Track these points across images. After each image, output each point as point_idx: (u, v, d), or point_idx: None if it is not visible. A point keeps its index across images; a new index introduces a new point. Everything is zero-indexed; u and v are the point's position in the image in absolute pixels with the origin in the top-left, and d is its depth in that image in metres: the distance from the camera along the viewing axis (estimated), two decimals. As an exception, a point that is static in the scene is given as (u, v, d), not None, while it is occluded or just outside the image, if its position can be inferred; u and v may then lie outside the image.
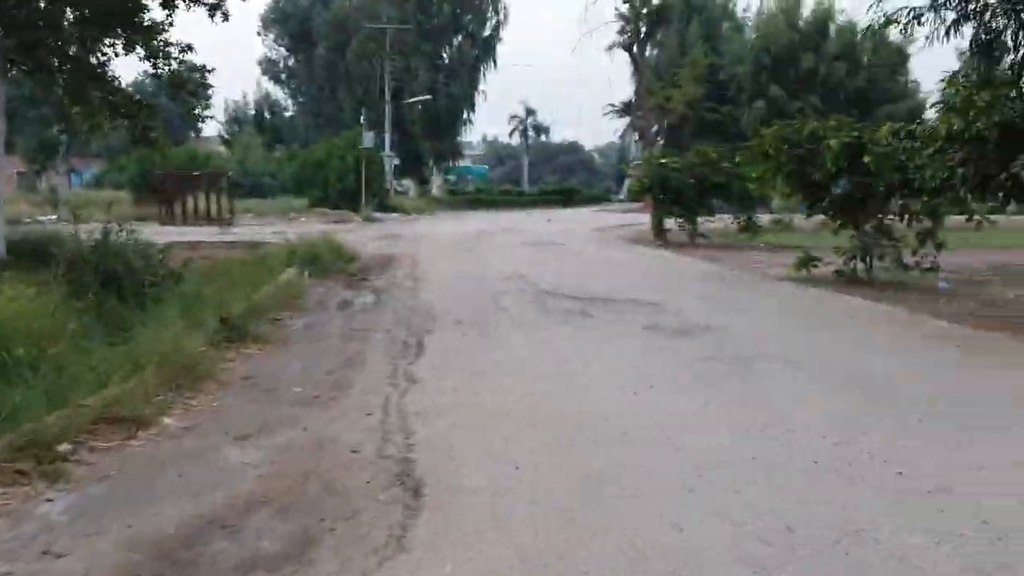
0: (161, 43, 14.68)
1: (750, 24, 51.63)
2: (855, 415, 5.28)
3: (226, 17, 15.04)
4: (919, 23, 7.75)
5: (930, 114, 42.96)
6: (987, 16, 7.16)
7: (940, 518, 3.65)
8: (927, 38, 7.77)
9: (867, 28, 10.89)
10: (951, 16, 7.49)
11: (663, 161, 21.50)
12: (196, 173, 31.12)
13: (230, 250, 17.44)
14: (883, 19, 7.97)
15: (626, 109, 25.33)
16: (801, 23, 48.27)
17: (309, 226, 28.74)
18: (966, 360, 7.18)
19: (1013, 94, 8.36)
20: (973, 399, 5.75)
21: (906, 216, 12.88)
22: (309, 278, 12.79)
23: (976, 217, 11.43)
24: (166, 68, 15.25)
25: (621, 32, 23.61)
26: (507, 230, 27.93)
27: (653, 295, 11.17)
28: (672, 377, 6.40)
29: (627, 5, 23.79)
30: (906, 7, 7.71)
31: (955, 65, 41.83)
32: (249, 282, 10.33)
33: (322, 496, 4.01)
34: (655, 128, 23.94)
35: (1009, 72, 7.86)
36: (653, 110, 23.95)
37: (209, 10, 14.91)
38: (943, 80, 9.23)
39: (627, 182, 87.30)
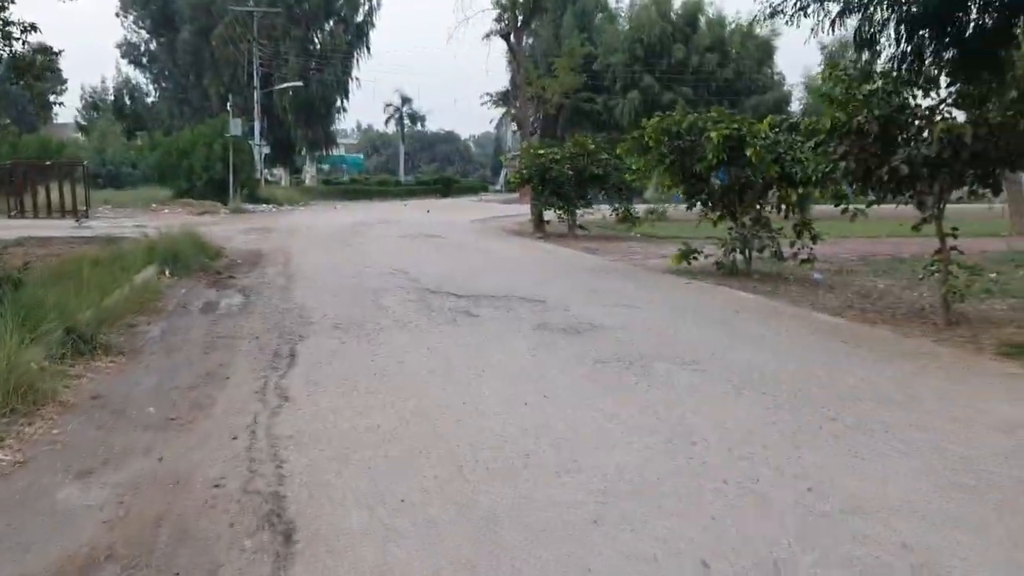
0: (0, 22, 13.35)
1: (623, 15, 52.50)
2: (757, 422, 5.07)
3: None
4: (804, 15, 7.68)
5: (796, 107, 44.54)
6: (871, 8, 7.13)
7: (858, 544, 3.42)
8: (812, 30, 7.73)
9: (750, 21, 10.67)
10: (835, 8, 7.44)
11: (541, 152, 21.30)
12: (48, 162, 28.96)
13: (84, 246, 16.20)
14: (769, 10, 7.87)
15: (504, 98, 24.94)
16: (673, 15, 49.29)
17: (173, 218, 27.25)
18: (853, 355, 7.15)
19: (890, 88, 8.43)
20: (864, 398, 5.67)
21: (783, 207, 13.10)
22: (170, 277, 11.91)
23: (851, 208, 11.61)
24: (7, 50, 13.92)
25: (498, 20, 23.18)
26: (385, 221, 27.25)
27: (539, 290, 10.88)
28: (567, 384, 6.05)
29: (503, -9, 23.32)
30: (790, -2, 7.61)
31: (817, 59, 43.47)
32: (102, 284, 9.42)
33: (177, 545, 3.46)
34: (532, 118, 23.64)
35: (889, 65, 7.90)
36: (531, 99, 23.64)
37: (53, -16, 13.76)
38: (820, 73, 9.23)
39: (504, 172, 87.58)
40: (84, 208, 27.51)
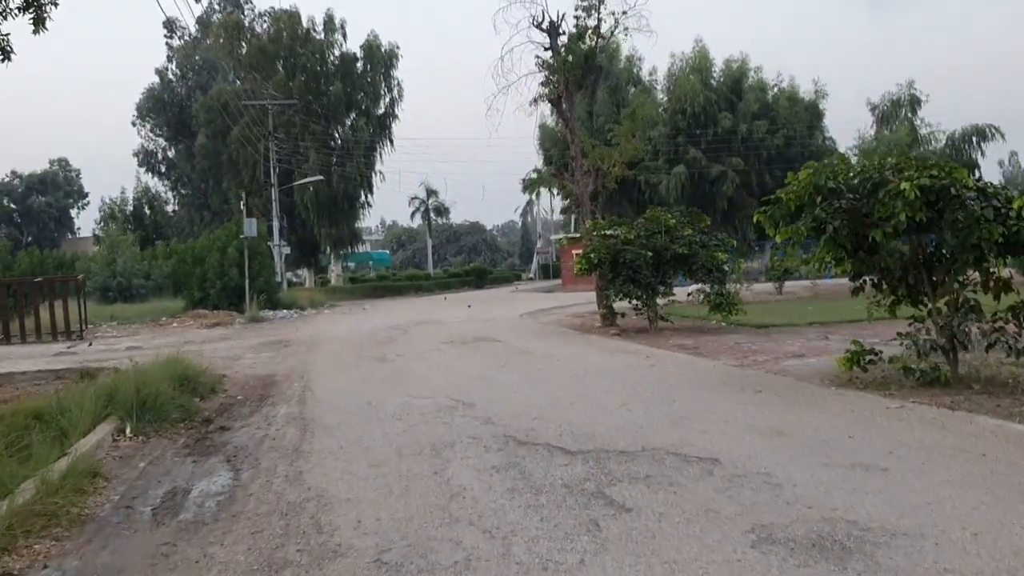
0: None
1: (659, 86, 49.57)
2: None
3: (6, 56, 10.81)
4: None
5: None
6: None
7: None
8: None
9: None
10: None
11: (608, 232, 17.61)
12: (38, 279, 25.71)
13: (54, 382, 12.74)
14: None
15: (558, 173, 21.64)
16: (713, 81, 46.24)
17: (180, 334, 23.82)
18: None
19: None
20: None
21: (990, 285, 9.23)
22: (132, 438, 8.17)
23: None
24: None
25: (545, 84, 19.93)
26: (423, 323, 23.50)
27: (688, 435, 7.01)
28: None
29: (549, 52, 20.06)
30: None
31: (866, 120, 39.89)
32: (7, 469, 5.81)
33: None
34: (592, 191, 20.07)
35: None
36: (588, 173, 20.12)
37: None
38: None
39: (536, 259, 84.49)
40: (80, 328, 24.12)
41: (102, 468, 6.82)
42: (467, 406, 9.03)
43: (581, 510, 5.10)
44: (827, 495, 5.14)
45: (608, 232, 17.45)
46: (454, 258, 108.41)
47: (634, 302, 17.33)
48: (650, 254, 16.47)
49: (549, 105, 20.51)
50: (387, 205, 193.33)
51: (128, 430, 8.30)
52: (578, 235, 20.72)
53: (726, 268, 17.12)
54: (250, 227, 30.39)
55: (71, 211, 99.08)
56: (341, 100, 52.78)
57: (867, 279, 9.89)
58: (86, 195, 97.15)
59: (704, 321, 19.22)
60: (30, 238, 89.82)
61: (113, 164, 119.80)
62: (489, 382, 10.88)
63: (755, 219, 9.97)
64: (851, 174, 9.28)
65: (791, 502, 5.05)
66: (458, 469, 6.28)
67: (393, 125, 56.21)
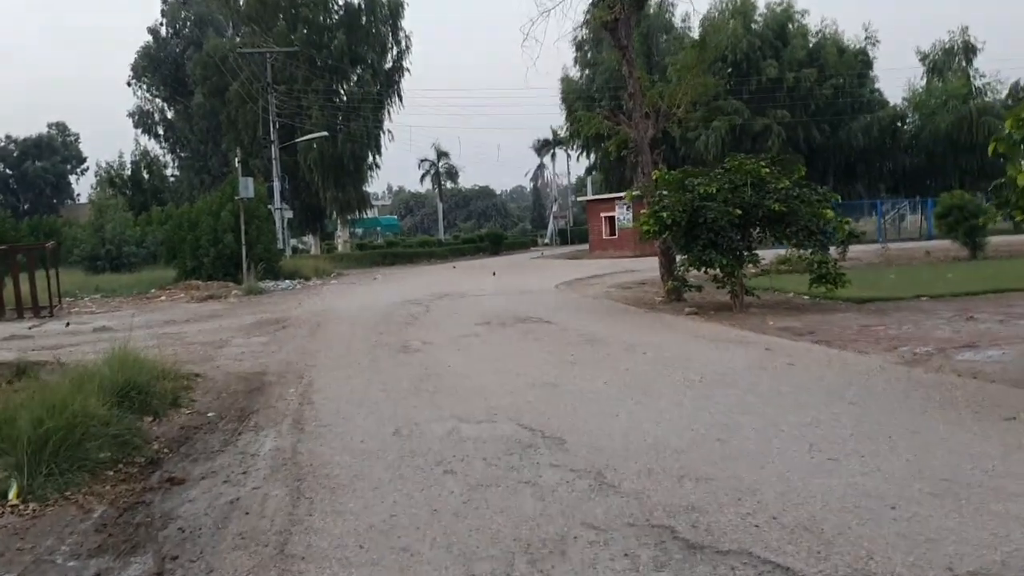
0: None
1: (695, 33, 45.67)
2: None
3: None
4: None
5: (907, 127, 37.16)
6: None
7: None
8: None
9: None
10: None
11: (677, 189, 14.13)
12: (2, 247, 22.49)
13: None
14: None
15: (611, 115, 18.26)
16: (756, 27, 42.31)
17: (167, 310, 20.69)
18: None
19: None
20: None
21: None
22: (16, 506, 4.98)
23: None
24: None
25: (596, 3, 16.49)
26: (446, 296, 20.18)
27: (999, 528, 3.76)
28: None
29: (601, -37, 16.47)
30: None
31: (917, 70, 36.14)
32: None
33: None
34: (651, 136, 16.61)
35: None
36: (647, 115, 16.69)
37: None
38: None
39: (552, 223, 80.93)
40: (50, 304, 20.94)
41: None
42: (553, 442, 5.78)
43: None
44: None
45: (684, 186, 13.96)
46: (463, 223, 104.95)
47: (714, 272, 13.99)
48: (739, 212, 13.12)
49: (574, 52, 17.01)
50: (393, 170, 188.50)
51: (12, 492, 5.11)
52: (637, 192, 17.19)
53: (830, 229, 13.72)
54: (246, 187, 27.02)
55: (70, 177, 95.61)
56: (345, 53, 49.06)
57: None
58: (84, 160, 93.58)
59: (781, 293, 15.97)
60: (27, 205, 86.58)
61: (114, 130, 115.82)
62: (566, 393, 7.59)
63: (991, 149, 6.63)
64: None
65: None
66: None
67: (401, 80, 52.59)
